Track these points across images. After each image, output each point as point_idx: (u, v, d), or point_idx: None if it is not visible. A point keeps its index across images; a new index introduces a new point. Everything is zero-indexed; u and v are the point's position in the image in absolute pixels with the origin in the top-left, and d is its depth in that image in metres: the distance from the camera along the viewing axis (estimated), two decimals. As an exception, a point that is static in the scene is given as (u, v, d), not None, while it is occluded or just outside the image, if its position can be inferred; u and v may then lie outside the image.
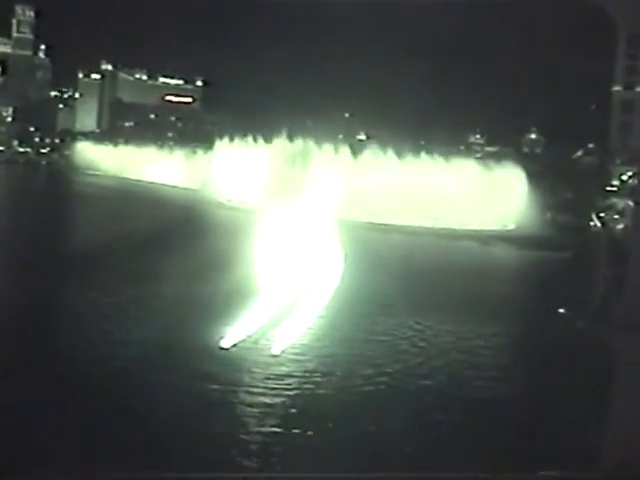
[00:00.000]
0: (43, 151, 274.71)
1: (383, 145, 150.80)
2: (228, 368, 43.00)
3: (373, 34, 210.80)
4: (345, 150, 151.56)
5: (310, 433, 35.27)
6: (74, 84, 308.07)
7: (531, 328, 57.84)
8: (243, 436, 34.79)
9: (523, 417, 37.98)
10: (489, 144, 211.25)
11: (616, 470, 11.16)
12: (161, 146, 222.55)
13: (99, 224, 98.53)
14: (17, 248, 79.96)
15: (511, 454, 32.16)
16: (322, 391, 40.68)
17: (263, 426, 35.89)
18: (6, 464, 25.75)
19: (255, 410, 37.70)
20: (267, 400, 38.96)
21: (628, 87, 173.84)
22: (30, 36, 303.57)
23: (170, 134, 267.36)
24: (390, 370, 45.06)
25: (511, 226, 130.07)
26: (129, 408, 34.56)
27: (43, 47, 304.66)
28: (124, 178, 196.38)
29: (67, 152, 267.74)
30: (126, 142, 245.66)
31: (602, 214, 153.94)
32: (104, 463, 28.22)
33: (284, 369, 43.82)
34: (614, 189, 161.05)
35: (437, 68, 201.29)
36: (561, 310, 57.82)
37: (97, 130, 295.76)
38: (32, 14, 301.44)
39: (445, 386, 43.11)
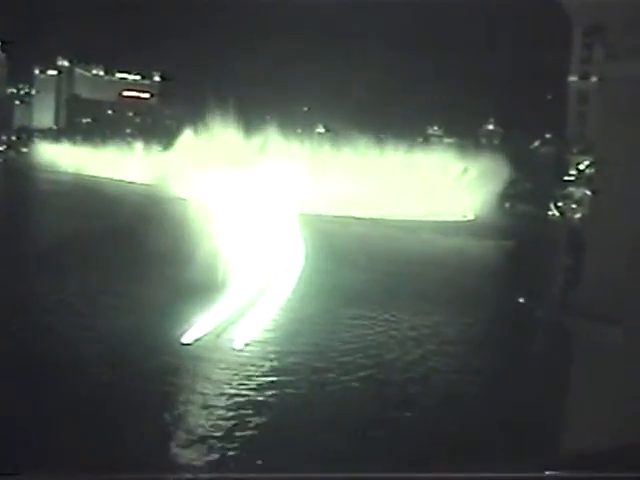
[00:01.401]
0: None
1: (342, 138, 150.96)
2: (190, 363, 42.94)
3: (329, 26, 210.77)
4: (304, 143, 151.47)
5: (272, 428, 35.23)
6: (30, 81, 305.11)
7: (492, 318, 58.20)
8: (204, 432, 34.68)
9: (487, 411, 38.14)
10: (447, 135, 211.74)
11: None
12: (119, 142, 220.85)
13: (55, 220, 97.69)
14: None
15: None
16: (285, 385, 40.59)
17: (227, 420, 35.82)
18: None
19: (216, 404, 37.62)
20: (229, 393, 38.88)
21: (583, 77, 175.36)
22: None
23: (128, 130, 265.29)
24: (354, 363, 45.05)
25: (471, 217, 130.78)
26: (87, 407, 34.23)
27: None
28: (82, 175, 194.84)
29: (24, 149, 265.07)
30: (84, 138, 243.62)
31: (560, 203, 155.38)
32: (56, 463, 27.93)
33: (246, 363, 43.74)
34: (572, 179, 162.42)
35: (394, 60, 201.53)
36: (521, 299, 58.22)
37: (54, 127, 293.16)
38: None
39: (410, 379, 43.20)
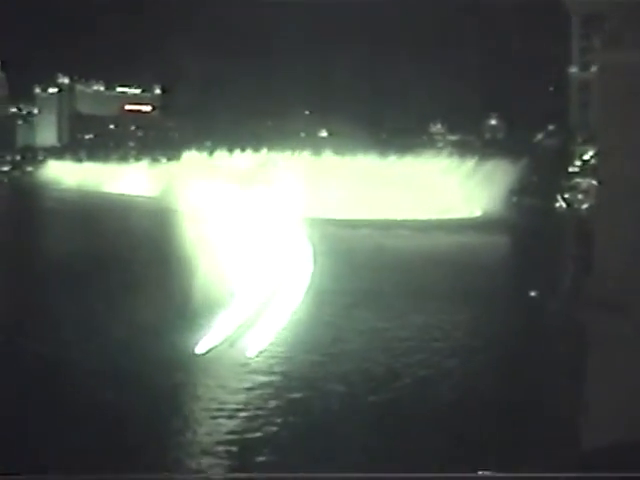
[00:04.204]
0: (4, 169, 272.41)
1: (346, 141, 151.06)
2: (204, 373, 42.98)
3: (327, 28, 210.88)
4: (308, 148, 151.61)
5: (285, 436, 35.10)
6: (32, 99, 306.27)
7: (505, 314, 58.02)
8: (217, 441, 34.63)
9: (506, 410, 37.93)
10: (450, 133, 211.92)
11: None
12: (123, 156, 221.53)
13: (62, 238, 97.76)
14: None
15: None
16: (298, 393, 40.45)
17: (238, 431, 35.76)
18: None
19: (229, 414, 37.57)
20: (242, 401, 38.86)
21: (584, 68, 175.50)
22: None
23: (131, 143, 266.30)
24: (369, 368, 44.85)
25: (478, 213, 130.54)
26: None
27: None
28: (88, 191, 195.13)
29: (29, 169, 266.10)
30: (88, 154, 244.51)
31: (567, 195, 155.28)
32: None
33: (260, 371, 43.71)
34: (577, 169, 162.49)
35: (394, 59, 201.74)
36: (532, 293, 58.15)
37: (58, 144, 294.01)
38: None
39: (426, 377, 43.04)
